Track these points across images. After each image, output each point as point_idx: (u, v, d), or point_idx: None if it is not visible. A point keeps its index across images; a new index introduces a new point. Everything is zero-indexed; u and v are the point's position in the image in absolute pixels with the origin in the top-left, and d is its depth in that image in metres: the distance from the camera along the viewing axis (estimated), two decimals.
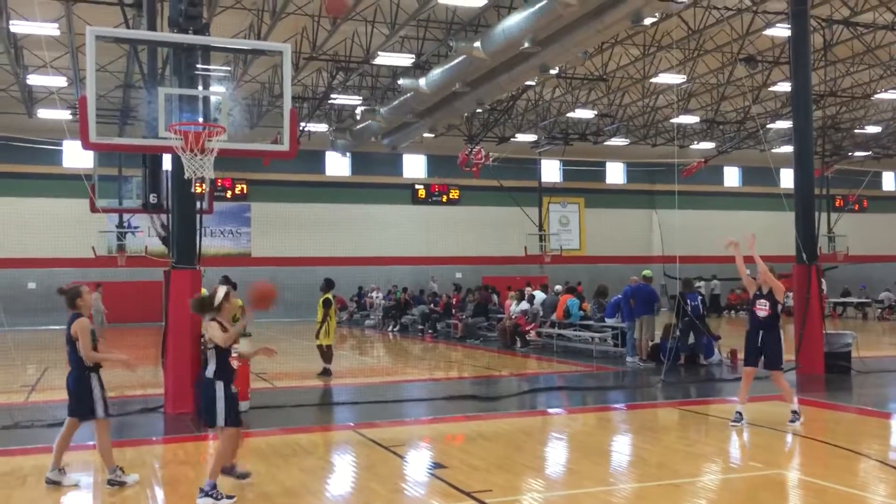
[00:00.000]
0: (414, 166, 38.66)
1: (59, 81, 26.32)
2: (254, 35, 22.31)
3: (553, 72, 23.71)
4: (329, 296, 15.36)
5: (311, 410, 11.75)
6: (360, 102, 29.96)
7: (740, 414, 9.92)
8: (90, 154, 20.22)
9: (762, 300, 9.94)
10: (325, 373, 15.05)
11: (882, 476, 7.52)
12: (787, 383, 9.95)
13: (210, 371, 6.89)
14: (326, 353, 15.30)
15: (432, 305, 27.03)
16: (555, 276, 33.28)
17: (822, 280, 17.72)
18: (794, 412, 9.74)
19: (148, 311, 28.75)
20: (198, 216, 11.55)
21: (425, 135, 31.96)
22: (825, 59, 25.72)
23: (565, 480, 7.76)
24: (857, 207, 41.80)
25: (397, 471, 7.99)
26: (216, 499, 6.64)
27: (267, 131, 26.32)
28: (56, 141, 28.48)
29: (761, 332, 9.90)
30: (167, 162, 13.09)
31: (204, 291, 13.63)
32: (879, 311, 31.89)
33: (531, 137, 36.50)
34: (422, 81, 23.75)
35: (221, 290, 6.89)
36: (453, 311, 25.40)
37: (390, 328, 28.06)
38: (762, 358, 9.99)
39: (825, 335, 14.73)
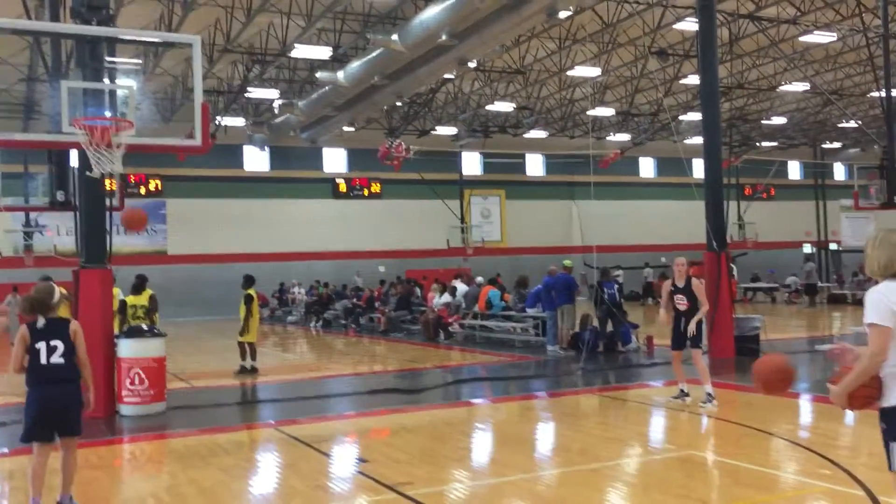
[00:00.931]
0: (334, 160, 38.28)
1: None
2: (164, 26, 21.69)
3: (471, 65, 23.86)
4: (251, 292, 15.12)
5: (230, 409, 11.52)
6: (277, 96, 29.49)
7: (682, 391, 10.35)
8: None
9: (679, 295, 10.30)
10: (244, 371, 14.78)
11: (791, 454, 7.83)
12: (704, 365, 10.27)
13: None
14: (250, 351, 15.05)
15: (355, 300, 26.87)
16: (477, 267, 33.51)
17: (733, 266, 18.36)
18: (709, 394, 10.06)
19: None
20: (108, 214, 11.19)
21: (345, 128, 31.71)
22: (732, 53, 26.57)
23: (488, 470, 7.83)
24: (765, 196, 43.37)
25: (319, 467, 7.91)
26: None
27: (181, 126, 25.71)
28: None
29: (683, 319, 10.28)
30: (74, 158, 12.63)
31: (118, 291, 13.23)
32: (787, 294, 33.23)
33: (451, 130, 36.62)
34: (340, 74, 23.54)
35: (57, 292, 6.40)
36: (376, 304, 25.29)
37: (313, 323, 27.79)
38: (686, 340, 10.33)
39: (735, 319, 15.24)
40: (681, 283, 10.29)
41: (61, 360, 6.13)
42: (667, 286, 10.51)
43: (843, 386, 3.92)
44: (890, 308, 3.90)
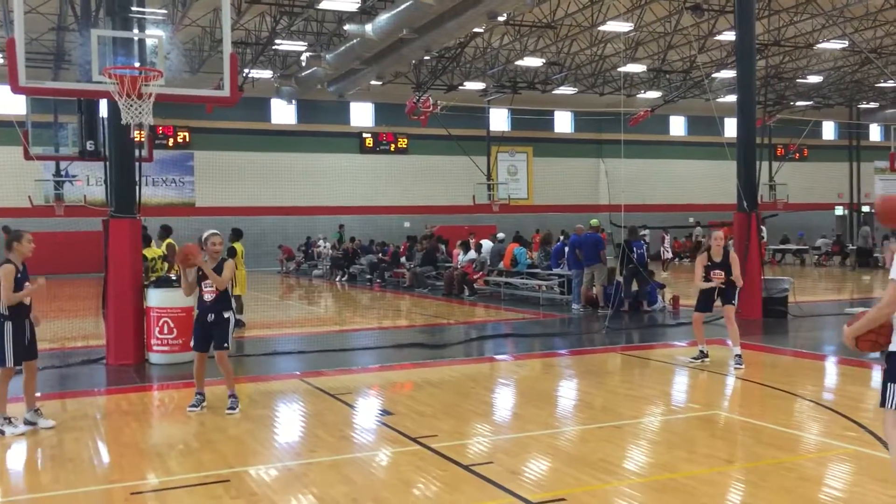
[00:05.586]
0: (361, 114, 38.13)
1: None
2: None
3: (501, 18, 23.49)
4: (235, 245, 14.93)
5: (256, 360, 11.69)
6: (305, 48, 29.30)
7: (702, 352, 10.31)
8: (22, 99, 19.49)
9: (717, 270, 10.13)
10: (237, 324, 14.74)
11: (816, 416, 7.80)
12: (736, 326, 10.21)
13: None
14: (236, 305, 15.02)
15: (380, 255, 26.96)
16: (503, 225, 33.39)
17: (762, 227, 18.12)
18: (738, 356, 10.02)
19: (88, 261, 28.14)
20: (137, 164, 11.25)
21: (372, 82, 31.48)
22: (769, 9, 25.90)
23: (511, 425, 7.88)
24: (797, 156, 42.62)
25: (344, 418, 8.01)
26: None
27: (210, 77, 25.68)
28: None
29: (717, 288, 10.17)
30: (104, 108, 12.67)
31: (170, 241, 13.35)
32: (816, 257, 32.83)
33: (479, 86, 36.24)
34: (368, 27, 23.29)
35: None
36: (401, 260, 25.36)
37: (338, 277, 27.96)
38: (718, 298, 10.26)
39: (763, 281, 15.10)
40: (718, 258, 10.15)
41: None
42: (702, 260, 10.27)
43: (852, 329, 4.47)
44: None
